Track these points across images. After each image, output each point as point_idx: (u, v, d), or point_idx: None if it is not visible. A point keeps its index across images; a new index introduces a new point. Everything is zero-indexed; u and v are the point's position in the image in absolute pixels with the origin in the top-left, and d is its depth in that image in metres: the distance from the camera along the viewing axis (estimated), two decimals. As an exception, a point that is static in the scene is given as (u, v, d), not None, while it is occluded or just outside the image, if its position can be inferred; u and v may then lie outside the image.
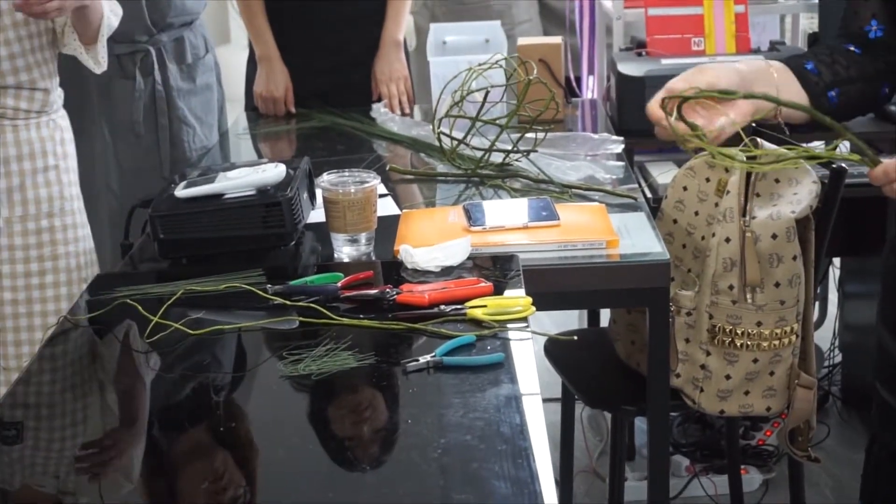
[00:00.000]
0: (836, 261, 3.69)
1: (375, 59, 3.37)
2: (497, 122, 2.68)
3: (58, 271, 2.50)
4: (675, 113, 1.71)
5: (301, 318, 1.84)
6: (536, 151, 2.66)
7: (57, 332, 1.88)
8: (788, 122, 1.76)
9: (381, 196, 2.39)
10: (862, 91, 1.81)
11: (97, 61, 2.55)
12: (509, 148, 2.65)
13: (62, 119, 2.57)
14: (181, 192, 2.17)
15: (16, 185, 2.46)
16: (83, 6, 2.38)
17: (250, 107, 3.46)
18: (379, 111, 3.21)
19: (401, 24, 3.37)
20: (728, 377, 2.26)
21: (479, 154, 2.67)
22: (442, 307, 1.82)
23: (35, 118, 2.49)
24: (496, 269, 2.02)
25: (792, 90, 1.77)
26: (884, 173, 1.56)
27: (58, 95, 2.55)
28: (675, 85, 1.74)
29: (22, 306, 2.48)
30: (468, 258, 2.04)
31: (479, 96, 2.67)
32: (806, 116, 1.78)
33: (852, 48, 1.81)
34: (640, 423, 3.27)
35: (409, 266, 2.01)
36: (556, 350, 2.72)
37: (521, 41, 3.30)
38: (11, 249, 2.47)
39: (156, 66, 3.10)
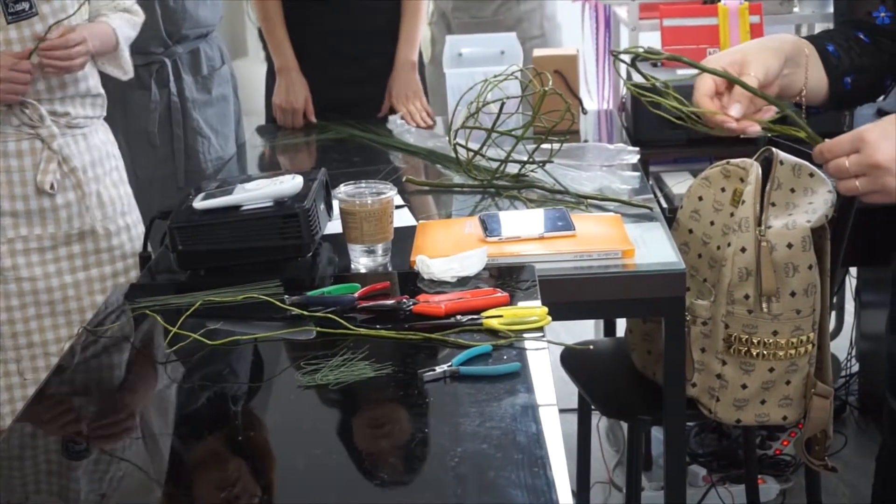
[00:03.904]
0: (853, 270, 3.69)
1: (390, 80, 3.37)
2: (513, 133, 2.69)
3: (138, 267, 2.57)
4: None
5: (318, 329, 1.85)
6: (552, 162, 2.67)
7: (77, 343, 1.89)
8: (809, 104, 1.76)
9: (398, 207, 2.40)
10: (870, 81, 1.81)
11: (123, 70, 2.61)
12: (525, 159, 2.66)
13: (104, 121, 2.65)
14: (199, 203, 2.18)
15: (94, 190, 2.53)
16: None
17: (271, 119, 3.47)
18: (395, 123, 3.22)
19: (415, 45, 3.37)
20: (744, 386, 2.26)
21: (494, 165, 2.68)
22: (458, 317, 1.83)
23: (95, 122, 2.56)
24: (512, 279, 2.03)
25: (816, 70, 1.77)
26: (819, 153, 1.57)
27: (105, 99, 2.62)
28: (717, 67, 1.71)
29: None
30: (484, 269, 2.04)
31: (494, 108, 2.68)
32: (825, 98, 1.78)
33: (861, 35, 1.81)
34: (658, 433, 3.27)
35: (426, 276, 2.02)
36: (573, 360, 2.72)
37: (537, 52, 3.32)
38: (98, 252, 2.53)
39: (171, 78, 3.13)
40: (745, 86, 1.64)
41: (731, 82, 1.66)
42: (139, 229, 2.64)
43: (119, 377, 1.84)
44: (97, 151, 2.56)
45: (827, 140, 1.57)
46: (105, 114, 2.63)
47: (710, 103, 1.66)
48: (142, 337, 1.91)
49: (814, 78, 1.76)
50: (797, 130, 1.61)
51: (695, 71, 1.68)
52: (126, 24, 2.58)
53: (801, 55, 1.74)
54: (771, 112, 1.66)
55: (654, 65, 3.27)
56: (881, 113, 3.02)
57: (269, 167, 3.17)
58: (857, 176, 1.53)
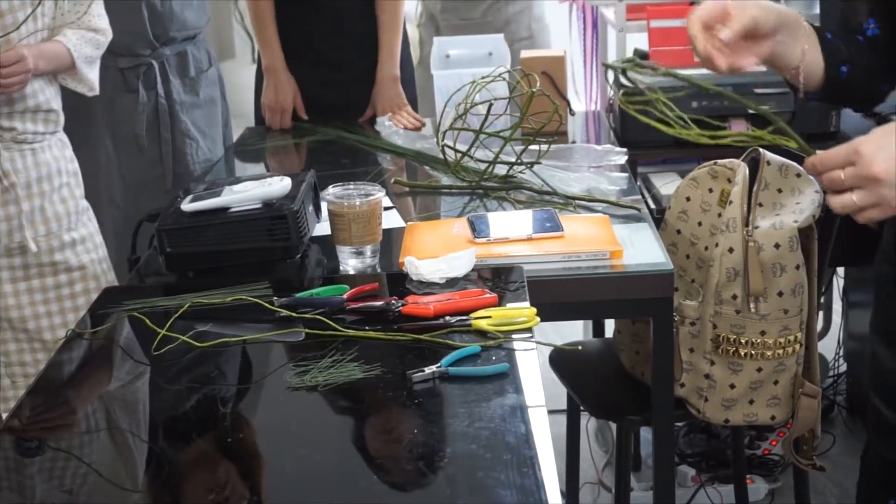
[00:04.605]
0: (840, 270, 3.70)
1: (374, 95, 3.37)
2: (501, 134, 2.69)
3: (86, 279, 2.58)
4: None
5: (307, 330, 1.86)
6: (540, 163, 2.67)
7: (65, 346, 1.89)
8: (806, 88, 1.76)
9: (386, 209, 2.41)
10: (865, 78, 1.80)
11: (87, 86, 2.62)
12: (513, 160, 2.66)
13: (63, 135, 2.64)
14: (187, 205, 2.18)
15: (37, 206, 2.54)
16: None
17: (260, 121, 3.46)
18: (384, 125, 3.22)
19: (396, 58, 3.37)
20: (732, 386, 2.26)
21: (483, 166, 2.69)
22: (447, 318, 1.83)
23: (48, 139, 2.55)
24: (500, 280, 2.04)
25: (814, 53, 1.76)
26: (812, 165, 1.56)
27: (62, 115, 2.61)
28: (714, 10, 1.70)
29: (56, 317, 2.56)
30: (473, 270, 2.05)
31: (482, 109, 2.68)
32: (819, 82, 1.76)
33: (858, 37, 1.81)
34: (646, 434, 3.28)
35: (414, 278, 2.02)
36: (561, 360, 2.73)
37: (525, 54, 3.32)
38: (40, 266, 2.54)
39: (159, 80, 3.13)
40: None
41: (723, 18, 1.64)
42: (89, 244, 2.65)
43: (107, 380, 1.84)
44: (46, 168, 2.56)
45: (819, 152, 1.56)
46: (60, 129, 2.62)
47: (700, 31, 1.64)
48: (130, 339, 1.91)
49: (810, 56, 1.74)
50: (788, 140, 1.61)
51: (687, 73, 1.69)
52: (86, 44, 2.57)
53: (799, 28, 1.72)
54: (751, 61, 1.66)
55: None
56: (875, 116, 3.02)
57: (258, 169, 3.17)
58: (853, 189, 1.51)
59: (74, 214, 2.62)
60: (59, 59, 2.53)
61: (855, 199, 1.50)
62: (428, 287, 2.00)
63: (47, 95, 2.54)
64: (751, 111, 2.76)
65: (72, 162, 2.65)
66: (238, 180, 2.28)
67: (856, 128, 2.93)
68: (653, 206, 2.93)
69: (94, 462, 1.56)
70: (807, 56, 1.73)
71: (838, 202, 1.52)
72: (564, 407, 2.94)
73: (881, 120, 2.99)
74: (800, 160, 2.24)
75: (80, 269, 2.60)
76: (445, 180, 2.75)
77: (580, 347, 2.44)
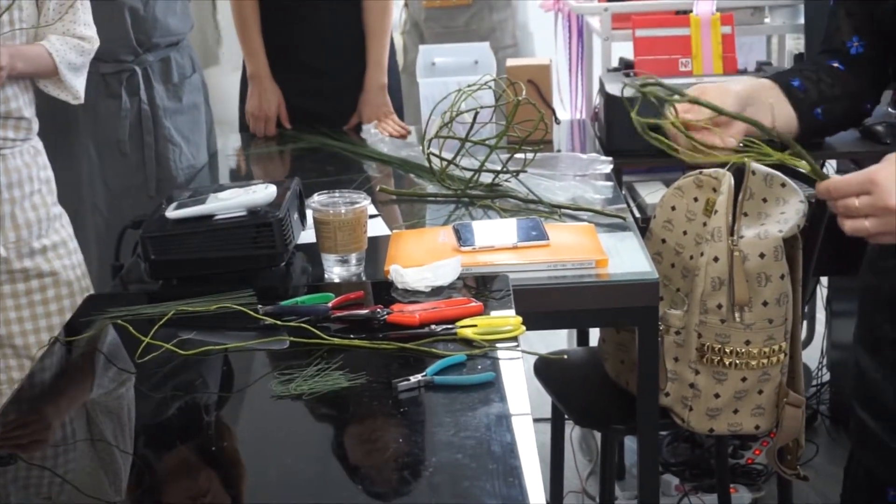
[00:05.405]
0: (824, 280, 3.71)
1: (360, 103, 3.37)
2: (486, 142, 2.69)
3: (58, 285, 2.56)
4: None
5: (292, 339, 1.85)
6: (526, 172, 2.67)
7: (48, 353, 1.88)
8: (782, 138, 1.79)
9: (372, 217, 2.40)
10: (846, 108, 1.84)
11: (71, 94, 2.60)
12: (499, 168, 2.66)
13: (37, 142, 2.62)
14: (172, 213, 2.17)
15: (7, 212, 2.52)
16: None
17: (244, 127, 3.46)
18: (369, 132, 3.22)
19: (383, 67, 3.37)
20: (717, 396, 2.27)
21: (468, 175, 2.69)
22: (432, 327, 1.83)
23: (20, 146, 2.54)
24: (486, 288, 2.03)
25: (783, 107, 1.79)
26: (825, 190, 1.58)
27: (35, 122, 2.59)
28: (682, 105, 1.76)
29: (28, 323, 2.54)
30: (458, 278, 2.04)
31: (468, 117, 2.68)
32: (797, 130, 1.81)
33: (836, 64, 1.84)
34: (631, 443, 3.28)
35: (400, 286, 2.02)
36: (546, 369, 2.73)
37: (510, 62, 3.32)
38: (10, 272, 2.53)
39: (142, 86, 3.12)
40: (723, 111, 1.66)
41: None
42: (62, 250, 2.63)
43: (89, 387, 1.83)
44: (17, 174, 2.54)
45: (834, 177, 1.58)
46: (34, 136, 2.60)
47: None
48: (113, 347, 1.90)
49: (781, 113, 1.79)
50: (798, 162, 1.61)
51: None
52: (71, 50, 2.56)
53: (762, 93, 1.78)
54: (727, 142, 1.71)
55: (627, 75, 3.28)
56: (869, 136, 3.02)
57: (242, 176, 3.16)
58: (867, 216, 1.53)
59: (46, 221, 2.60)
60: (38, 62, 2.51)
61: (868, 225, 1.53)
62: (413, 295, 1.99)
63: (20, 103, 2.52)
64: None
65: (44, 169, 2.63)
66: (222, 187, 2.27)
67: (842, 140, 2.94)
68: (638, 214, 2.93)
69: (76, 470, 1.55)
70: (778, 115, 1.78)
71: (851, 227, 1.55)
72: (549, 416, 2.93)
73: (865, 132, 3.00)
74: (786, 171, 2.24)
75: (52, 275, 2.59)
76: (431, 188, 2.75)
77: (565, 356, 2.44)
